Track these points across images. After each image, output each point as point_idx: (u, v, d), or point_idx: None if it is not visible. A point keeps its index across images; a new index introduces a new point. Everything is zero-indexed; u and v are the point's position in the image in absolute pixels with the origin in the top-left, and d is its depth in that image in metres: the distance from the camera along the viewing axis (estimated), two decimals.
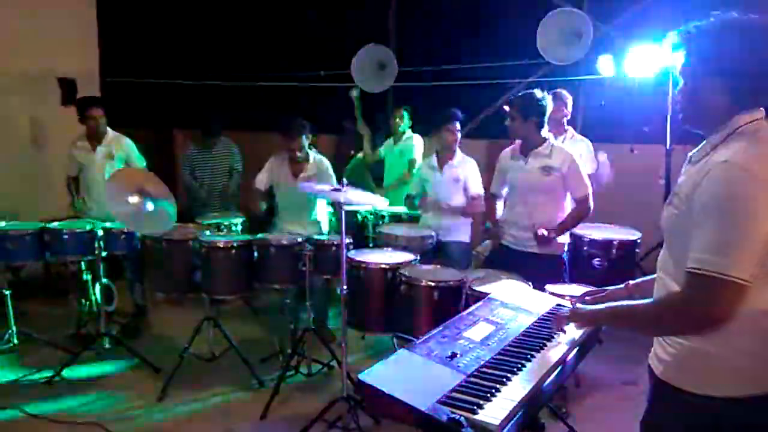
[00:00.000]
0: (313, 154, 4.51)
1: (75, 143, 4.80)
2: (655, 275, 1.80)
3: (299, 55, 7.10)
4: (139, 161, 4.89)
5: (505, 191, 3.86)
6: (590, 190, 3.59)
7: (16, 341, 4.23)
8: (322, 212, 4.67)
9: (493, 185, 3.96)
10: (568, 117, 4.75)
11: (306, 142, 4.41)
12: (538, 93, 3.54)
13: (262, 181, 4.55)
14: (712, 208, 1.45)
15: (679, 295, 1.52)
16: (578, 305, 1.93)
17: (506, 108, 3.60)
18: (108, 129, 4.80)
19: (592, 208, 3.62)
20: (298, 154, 4.39)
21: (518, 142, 3.70)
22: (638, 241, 4.07)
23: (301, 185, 3.94)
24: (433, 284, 3.09)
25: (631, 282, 1.99)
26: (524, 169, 3.60)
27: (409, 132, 5.54)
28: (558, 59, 5.03)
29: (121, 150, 4.80)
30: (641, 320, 1.64)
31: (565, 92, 4.71)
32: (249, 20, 7.50)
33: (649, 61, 4.61)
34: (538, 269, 3.35)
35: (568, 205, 3.66)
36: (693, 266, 1.46)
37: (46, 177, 5.62)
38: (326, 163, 4.54)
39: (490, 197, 4.00)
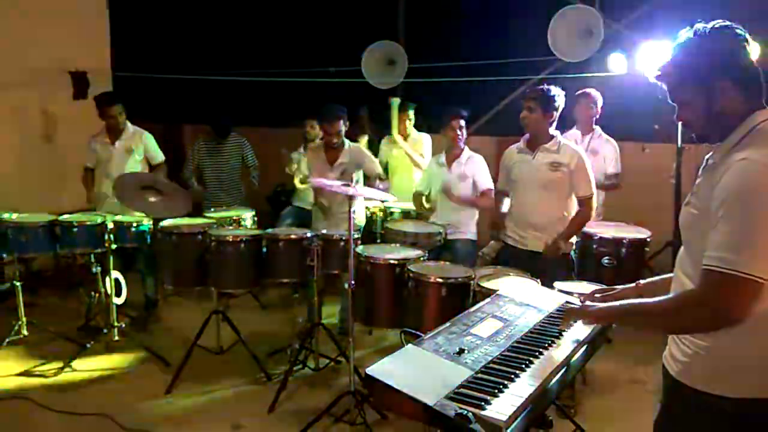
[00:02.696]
0: (348, 142, 4.48)
1: (95, 136, 4.85)
2: (666, 275, 1.79)
3: (309, 51, 7.10)
4: (158, 155, 4.95)
5: (510, 189, 3.83)
6: (595, 192, 3.58)
7: (26, 332, 4.26)
8: (360, 205, 4.60)
9: (499, 182, 3.94)
10: (597, 116, 4.73)
11: (343, 128, 4.35)
12: (557, 89, 3.53)
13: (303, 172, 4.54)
14: (729, 205, 1.44)
15: (694, 293, 1.51)
16: (589, 302, 1.91)
17: (525, 98, 3.56)
18: (128, 123, 4.85)
19: (595, 209, 3.61)
20: (335, 140, 4.34)
21: (524, 139, 3.68)
22: (648, 239, 4.04)
23: (313, 180, 3.92)
24: (441, 281, 3.09)
25: (642, 281, 1.98)
26: (531, 165, 3.58)
27: (415, 132, 5.45)
28: (569, 56, 5.00)
29: (140, 144, 4.86)
30: (655, 317, 1.62)
31: (595, 92, 4.69)
32: (259, 16, 7.51)
33: (661, 59, 4.57)
34: (546, 268, 3.33)
35: (574, 203, 3.64)
36: (709, 264, 1.44)
37: (57, 170, 5.66)
38: (364, 150, 4.46)
39: (497, 194, 3.99)
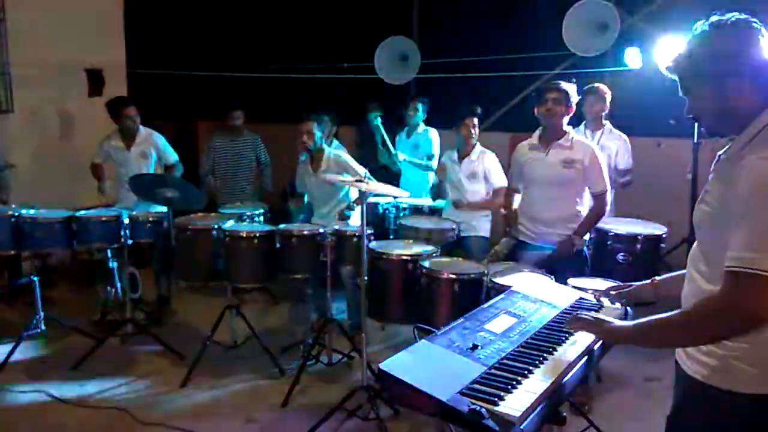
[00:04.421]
0: (327, 149, 4.49)
1: (109, 139, 4.89)
2: (682, 271, 1.76)
3: (322, 47, 7.10)
4: (171, 155, 4.98)
5: (522, 185, 3.81)
6: (609, 187, 3.55)
7: (43, 327, 4.32)
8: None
9: (509, 179, 3.92)
10: (606, 111, 4.67)
11: (317, 131, 4.35)
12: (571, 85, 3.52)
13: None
14: (750, 204, 1.41)
15: (718, 297, 1.44)
16: (603, 317, 1.84)
17: (549, 90, 3.48)
18: (140, 126, 4.88)
19: (609, 204, 3.57)
20: (306, 139, 4.34)
21: (536, 134, 3.63)
22: (664, 236, 4.00)
23: (323, 176, 3.94)
24: (454, 277, 3.08)
25: (657, 278, 1.96)
26: (544, 161, 3.54)
27: (423, 125, 5.43)
28: (584, 50, 4.95)
29: (153, 147, 4.90)
30: (678, 331, 1.53)
31: (604, 87, 4.62)
32: (272, 12, 7.53)
33: (675, 51, 4.52)
34: (559, 265, 3.31)
35: (587, 199, 3.61)
36: (732, 264, 1.40)
37: (74, 167, 5.70)
38: (343, 156, 4.46)
39: (508, 191, 3.96)
